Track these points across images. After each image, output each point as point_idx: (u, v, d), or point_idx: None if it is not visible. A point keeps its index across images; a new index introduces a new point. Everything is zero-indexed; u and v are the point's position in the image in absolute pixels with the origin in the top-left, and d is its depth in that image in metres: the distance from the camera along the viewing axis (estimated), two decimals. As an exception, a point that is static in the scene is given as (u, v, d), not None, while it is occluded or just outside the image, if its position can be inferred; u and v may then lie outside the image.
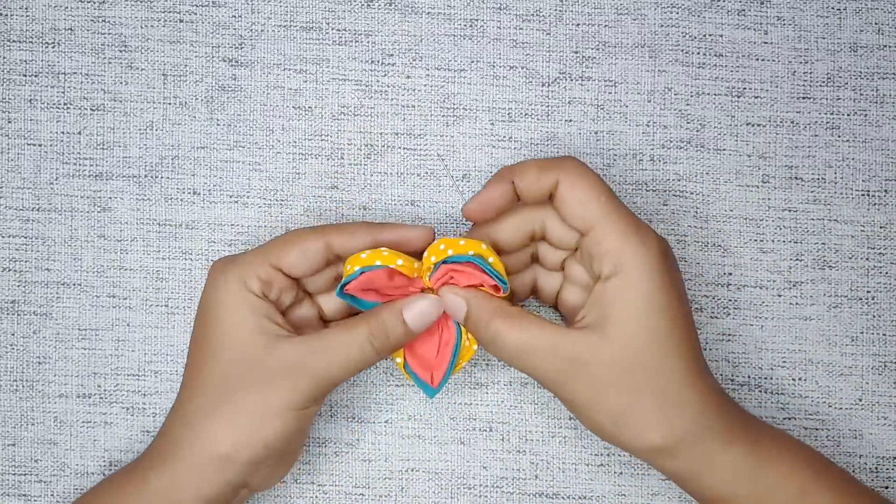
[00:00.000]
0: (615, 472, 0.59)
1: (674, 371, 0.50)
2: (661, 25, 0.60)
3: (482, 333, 0.52)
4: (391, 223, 0.54)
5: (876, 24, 0.60)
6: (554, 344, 0.50)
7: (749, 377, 0.59)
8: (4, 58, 0.60)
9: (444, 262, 0.52)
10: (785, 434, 0.53)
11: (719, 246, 0.60)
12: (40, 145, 0.60)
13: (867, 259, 0.60)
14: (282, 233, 0.59)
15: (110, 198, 0.59)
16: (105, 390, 0.59)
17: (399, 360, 0.54)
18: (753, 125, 0.60)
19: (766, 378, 0.59)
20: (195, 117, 0.60)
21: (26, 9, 0.60)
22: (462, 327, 0.53)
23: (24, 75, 0.60)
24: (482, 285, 0.52)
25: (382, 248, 0.52)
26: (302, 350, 0.51)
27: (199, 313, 0.53)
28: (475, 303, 0.52)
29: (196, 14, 0.60)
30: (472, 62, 0.60)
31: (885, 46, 0.60)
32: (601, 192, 0.51)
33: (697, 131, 0.60)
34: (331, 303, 0.56)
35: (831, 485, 0.52)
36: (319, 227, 0.53)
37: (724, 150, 0.60)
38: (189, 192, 0.59)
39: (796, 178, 0.60)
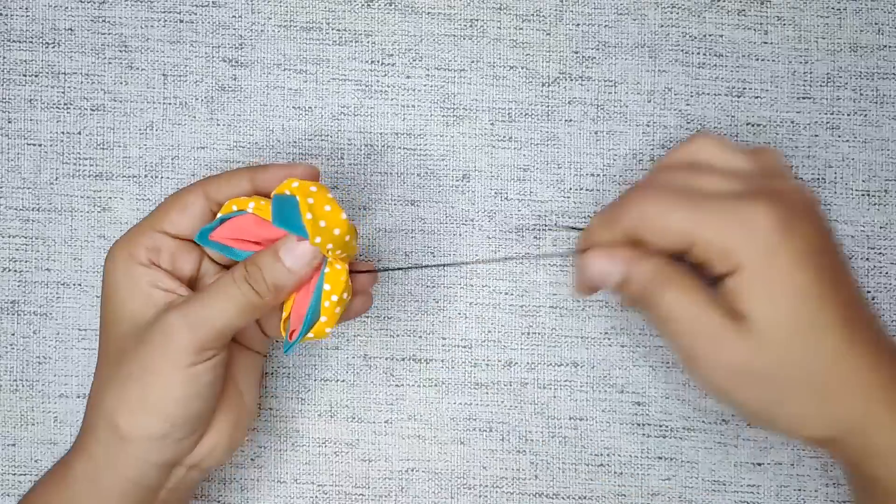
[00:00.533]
0: (615, 472, 0.59)
1: (827, 358, 0.46)
2: (661, 25, 0.60)
3: (639, 293, 0.49)
4: (271, 164, 0.52)
5: (876, 24, 0.60)
6: (701, 317, 0.47)
7: (749, 377, 0.59)
8: (4, 58, 0.60)
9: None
10: None
11: (719, 246, 0.60)
12: (40, 145, 0.60)
13: (867, 259, 0.59)
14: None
15: (110, 198, 0.59)
16: (105, 390, 0.59)
17: (284, 314, 0.50)
18: (753, 125, 0.60)
19: (766, 378, 0.59)
20: (195, 117, 0.60)
21: (26, 9, 0.60)
22: (326, 275, 0.49)
23: (25, 75, 0.60)
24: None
25: (257, 198, 0.50)
26: (181, 310, 0.48)
27: (101, 293, 0.52)
28: (636, 267, 0.49)
29: (196, 14, 0.60)
30: (472, 62, 0.60)
31: (885, 46, 0.60)
32: (674, 204, 0.47)
33: (697, 131, 0.60)
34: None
35: None
36: (199, 181, 0.52)
37: (724, 150, 0.60)
38: (189, 192, 0.59)
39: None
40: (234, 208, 0.50)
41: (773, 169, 0.50)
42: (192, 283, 0.52)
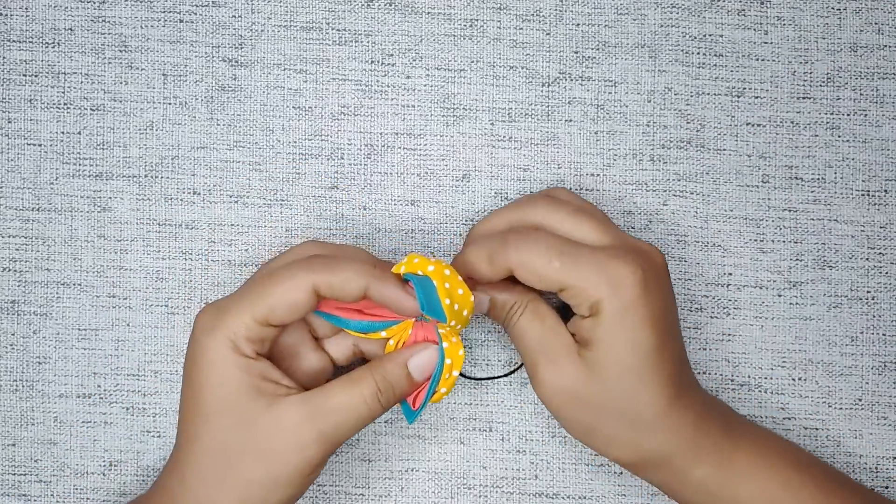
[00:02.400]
0: (615, 472, 0.59)
1: (646, 400, 0.51)
2: (661, 25, 0.60)
3: (503, 320, 0.54)
4: (386, 277, 0.50)
5: (876, 24, 0.60)
6: (544, 341, 0.53)
7: (749, 377, 0.59)
8: (4, 58, 0.60)
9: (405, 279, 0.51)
10: (770, 436, 0.55)
11: (719, 246, 0.60)
12: (40, 145, 0.60)
13: (867, 259, 0.60)
14: (280, 233, 0.59)
15: (110, 198, 0.59)
16: (105, 390, 0.59)
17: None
18: (753, 125, 0.60)
19: (766, 378, 0.59)
20: (195, 117, 0.60)
21: (26, 9, 0.60)
22: (445, 350, 0.51)
23: (24, 75, 0.60)
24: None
25: None
26: (305, 411, 0.48)
27: (187, 373, 0.50)
28: (497, 299, 0.54)
29: (196, 14, 0.60)
30: (472, 62, 0.60)
31: (885, 46, 0.60)
32: (552, 255, 0.51)
33: (697, 131, 0.60)
34: (337, 347, 0.54)
35: (814, 479, 0.53)
36: (307, 266, 0.49)
37: (724, 150, 0.60)
38: (189, 192, 0.59)
39: (796, 178, 0.60)
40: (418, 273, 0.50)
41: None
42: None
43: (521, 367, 0.58)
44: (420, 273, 0.50)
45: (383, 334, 0.52)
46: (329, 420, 0.49)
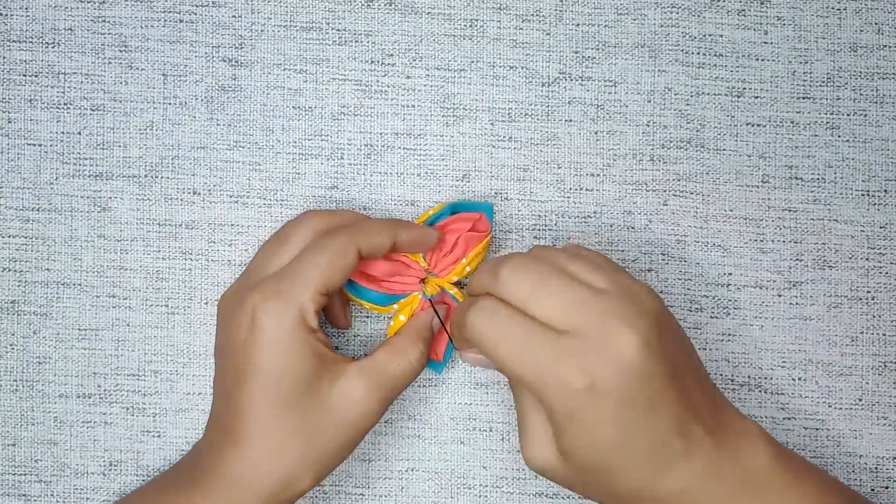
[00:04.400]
0: (615, 472, 0.59)
1: (627, 484, 0.50)
2: (661, 25, 0.60)
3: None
4: (407, 223, 0.55)
5: (876, 24, 0.60)
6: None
7: (749, 377, 0.59)
8: (4, 58, 0.60)
9: (430, 222, 0.56)
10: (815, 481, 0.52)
11: (719, 246, 0.60)
12: (40, 145, 0.60)
13: (867, 259, 0.60)
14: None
15: (110, 198, 0.59)
16: (105, 390, 0.59)
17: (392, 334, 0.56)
18: (753, 125, 0.60)
19: (766, 378, 0.59)
20: (195, 117, 0.60)
21: (26, 9, 0.60)
22: (454, 295, 0.56)
23: (24, 75, 0.60)
24: (473, 229, 0.56)
25: None
26: (368, 382, 0.52)
27: (253, 361, 0.51)
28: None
29: (196, 14, 0.60)
30: (472, 62, 0.60)
31: (885, 46, 0.60)
32: (500, 337, 0.50)
33: (697, 131, 0.60)
34: None
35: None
36: (347, 232, 0.53)
37: (724, 150, 0.60)
38: (189, 192, 0.59)
39: (796, 178, 0.60)
40: None
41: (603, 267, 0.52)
42: None
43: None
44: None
45: (395, 307, 0.56)
46: (388, 387, 0.53)
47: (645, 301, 0.49)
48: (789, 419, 0.59)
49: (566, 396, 0.48)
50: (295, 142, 0.60)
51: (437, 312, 0.56)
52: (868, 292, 0.59)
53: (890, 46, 0.60)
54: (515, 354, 0.49)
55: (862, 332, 0.59)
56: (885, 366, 0.59)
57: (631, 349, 0.48)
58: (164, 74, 0.60)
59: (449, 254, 0.56)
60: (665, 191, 0.60)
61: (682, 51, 0.60)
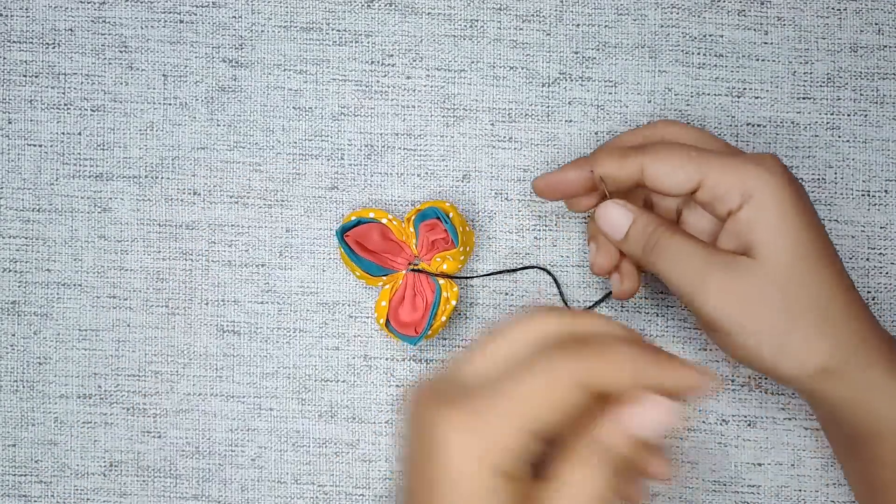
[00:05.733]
0: (615, 473, 0.59)
1: (831, 286, 0.48)
2: (661, 25, 0.60)
3: (643, 242, 0.51)
4: (662, 357, 0.39)
5: (876, 24, 0.60)
6: (709, 253, 0.49)
7: (749, 377, 0.59)
8: (5, 58, 0.60)
9: (418, 220, 0.56)
10: None
11: (719, 246, 0.60)
12: (41, 146, 0.60)
13: (867, 259, 0.59)
14: (280, 234, 0.59)
15: (111, 198, 0.59)
16: (105, 391, 0.59)
17: (382, 320, 0.57)
18: (753, 125, 0.60)
19: (766, 378, 0.59)
20: (195, 118, 0.60)
21: (26, 9, 0.60)
22: (440, 284, 0.57)
23: (25, 76, 0.60)
24: (447, 240, 0.56)
25: (378, 211, 0.57)
26: None
27: (427, 487, 0.38)
28: (640, 219, 0.51)
29: (196, 15, 0.60)
30: (472, 62, 0.60)
31: (885, 46, 0.60)
32: (692, 146, 0.50)
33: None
34: None
35: None
36: (577, 353, 0.38)
37: (725, 150, 0.60)
38: (189, 193, 0.59)
39: (796, 178, 0.60)
40: (370, 215, 0.57)
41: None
42: None
43: (607, 296, 0.58)
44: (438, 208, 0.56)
45: (382, 279, 0.57)
46: None
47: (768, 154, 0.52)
48: (789, 419, 0.59)
49: (775, 177, 0.49)
50: (295, 142, 0.60)
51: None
52: (868, 292, 0.59)
53: (890, 46, 0.60)
54: (706, 154, 0.50)
55: (862, 333, 0.59)
56: (886, 366, 0.59)
57: (780, 171, 0.50)
58: (164, 75, 0.60)
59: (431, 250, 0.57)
60: (665, 191, 0.60)
61: (683, 51, 0.60)
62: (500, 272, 0.59)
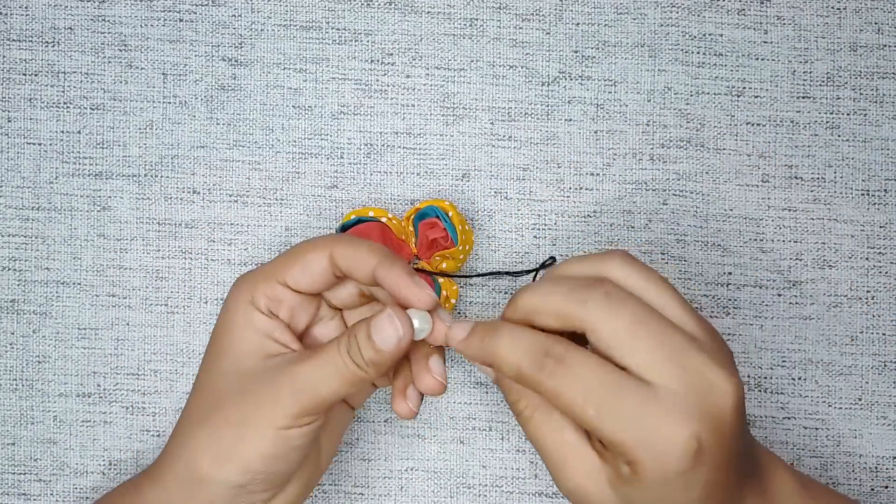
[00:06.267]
0: (615, 472, 0.59)
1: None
2: (661, 25, 0.60)
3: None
4: (399, 269, 0.48)
5: (876, 23, 0.60)
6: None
7: (749, 377, 0.59)
8: (4, 57, 0.60)
9: (417, 219, 0.56)
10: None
11: (719, 246, 0.60)
12: (40, 144, 0.60)
13: (867, 259, 0.59)
14: (279, 232, 0.59)
15: (110, 197, 0.59)
16: (104, 389, 0.59)
17: None
18: (753, 125, 0.60)
19: (766, 378, 0.59)
20: (195, 116, 0.60)
21: (26, 8, 0.60)
22: (440, 283, 0.57)
23: (24, 74, 0.60)
24: (446, 238, 0.56)
25: (378, 209, 0.57)
26: (287, 366, 0.48)
27: (213, 337, 0.51)
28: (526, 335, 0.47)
29: (196, 13, 0.60)
30: (472, 61, 0.60)
31: (885, 46, 0.60)
32: (589, 399, 0.44)
33: (697, 131, 0.60)
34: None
35: None
36: (326, 240, 0.50)
37: (724, 149, 0.60)
38: (189, 192, 0.59)
39: (796, 177, 0.60)
40: (370, 214, 0.57)
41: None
42: (304, 336, 0.52)
43: (548, 263, 0.58)
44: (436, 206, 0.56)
45: None
46: (303, 372, 0.47)
47: (727, 348, 0.46)
48: (789, 419, 0.59)
49: (668, 459, 0.43)
50: (295, 141, 0.60)
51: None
52: (868, 292, 0.59)
53: (890, 46, 0.60)
54: (608, 412, 0.43)
55: (862, 332, 0.59)
56: (885, 365, 0.59)
57: (729, 407, 0.44)
58: (163, 73, 0.60)
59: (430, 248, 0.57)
60: (665, 190, 0.60)
61: (682, 50, 0.60)
62: (500, 273, 0.59)
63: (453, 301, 0.57)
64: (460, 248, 0.56)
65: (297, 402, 0.47)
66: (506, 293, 0.59)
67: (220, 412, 0.48)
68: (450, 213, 0.56)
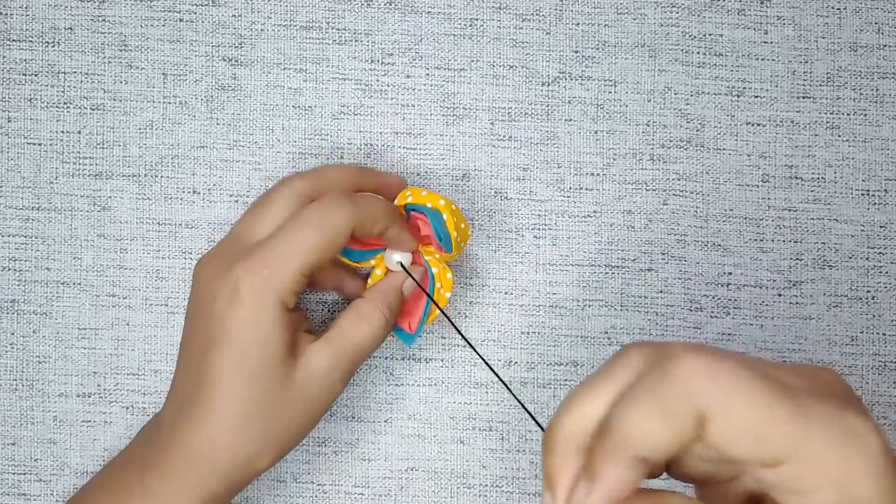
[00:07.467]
0: (615, 472, 0.59)
1: None
2: (661, 25, 0.60)
3: None
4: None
5: (876, 23, 0.60)
6: None
7: (749, 377, 0.59)
8: (4, 57, 0.60)
9: (407, 209, 0.55)
10: None
11: (719, 246, 0.60)
12: (40, 144, 0.60)
13: (867, 259, 0.59)
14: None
15: (110, 197, 0.59)
16: (105, 389, 0.59)
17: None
18: (753, 125, 0.60)
19: (765, 378, 0.59)
20: (195, 116, 0.60)
21: (26, 8, 0.60)
22: (435, 275, 0.55)
23: (24, 74, 0.60)
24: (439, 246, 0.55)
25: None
26: (331, 355, 0.51)
27: (228, 333, 0.50)
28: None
29: (196, 13, 0.60)
30: (472, 61, 0.60)
31: (885, 46, 0.60)
32: (772, 396, 0.33)
33: (697, 131, 0.60)
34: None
35: None
36: (347, 214, 0.51)
37: (724, 149, 0.60)
38: (189, 192, 0.59)
39: (796, 177, 0.60)
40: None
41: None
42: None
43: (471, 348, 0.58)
44: (429, 206, 0.54)
45: (373, 262, 0.56)
46: (351, 357, 0.52)
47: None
48: (789, 419, 0.59)
49: (869, 476, 0.32)
50: (295, 141, 0.60)
51: (410, 275, 0.55)
52: (868, 292, 0.59)
53: (890, 46, 0.60)
54: (796, 412, 0.33)
55: (862, 332, 0.59)
56: (885, 365, 0.59)
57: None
58: (163, 74, 0.60)
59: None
60: (665, 190, 0.60)
61: (682, 50, 0.60)
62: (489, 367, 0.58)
63: (448, 295, 0.56)
64: (454, 253, 0.55)
65: (347, 382, 0.52)
66: (506, 293, 0.59)
67: (282, 422, 0.51)
68: (444, 216, 0.54)
